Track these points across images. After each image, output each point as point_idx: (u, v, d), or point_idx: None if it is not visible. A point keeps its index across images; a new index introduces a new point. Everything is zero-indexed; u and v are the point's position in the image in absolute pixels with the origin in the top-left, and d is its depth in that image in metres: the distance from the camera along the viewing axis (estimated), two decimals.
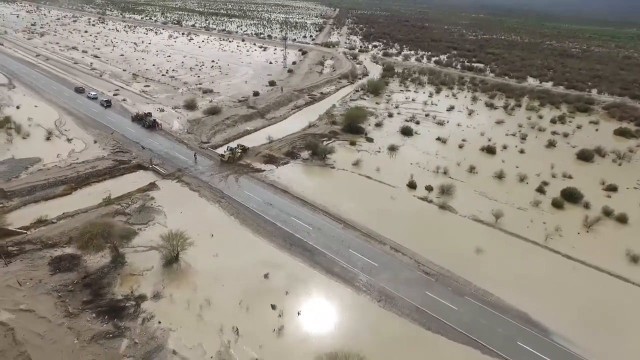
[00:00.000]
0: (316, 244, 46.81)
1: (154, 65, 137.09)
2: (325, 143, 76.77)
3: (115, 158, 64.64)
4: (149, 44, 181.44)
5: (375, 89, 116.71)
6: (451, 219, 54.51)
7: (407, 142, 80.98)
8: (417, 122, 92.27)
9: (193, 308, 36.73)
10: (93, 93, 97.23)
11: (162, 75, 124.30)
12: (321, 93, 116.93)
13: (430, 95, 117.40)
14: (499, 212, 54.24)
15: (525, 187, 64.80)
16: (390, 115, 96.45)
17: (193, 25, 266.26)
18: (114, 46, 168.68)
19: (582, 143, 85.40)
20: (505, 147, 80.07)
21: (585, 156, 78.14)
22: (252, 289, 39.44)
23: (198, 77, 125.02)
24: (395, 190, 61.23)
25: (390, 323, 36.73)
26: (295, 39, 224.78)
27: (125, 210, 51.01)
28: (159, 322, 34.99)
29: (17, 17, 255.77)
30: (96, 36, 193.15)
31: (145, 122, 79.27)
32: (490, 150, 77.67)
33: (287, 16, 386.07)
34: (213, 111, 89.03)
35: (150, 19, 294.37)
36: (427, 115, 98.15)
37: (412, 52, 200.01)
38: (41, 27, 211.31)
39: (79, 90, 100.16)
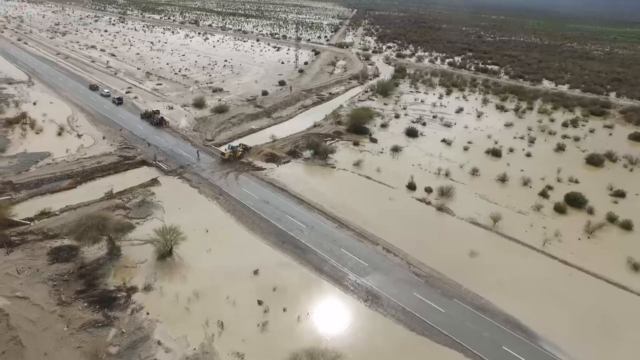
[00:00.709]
0: (308, 242, 47.16)
1: (167, 64, 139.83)
2: (328, 143, 77.02)
3: (121, 154, 66.40)
4: (165, 43, 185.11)
5: (384, 90, 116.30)
6: (448, 221, 54.06)
7: (411, 143, 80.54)
8: (424, 124, 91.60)
9: (181, 301, 37.57)
10: (106, 90, 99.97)
11: (175, 73, 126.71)
12: (330, 93, 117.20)
13: (440, 97, 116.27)
14: (497, 215, 53.49)
15: (528, 191, 63.67)
16: (397, 117, 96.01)
17: (210, 25, 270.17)
18: (130, 45, 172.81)
19: (594, 147, 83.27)
20: (511, 150, 78.76)
21: (594, 161, 76.19)
22: (241, 285, 40.05)
23: (210, 76, 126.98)
24: (394, 191, 61.06)
25: (375, 323, 36.78)
26: (309, 40, 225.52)
27: (125, 205, 52.43)
28: (147, 314, 35.96)
29: (43, 17, 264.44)
30: (115, 35, 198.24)
31: (153, 119, 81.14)
32: (495, 153, 76.55)
33: (304, 17, 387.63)
34: (220, 109, 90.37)
35: (168, 18, 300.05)
36: (434, 116, 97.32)
37: (426, 53, 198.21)
38: (64, 27, 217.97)
39: (93, 88, 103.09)
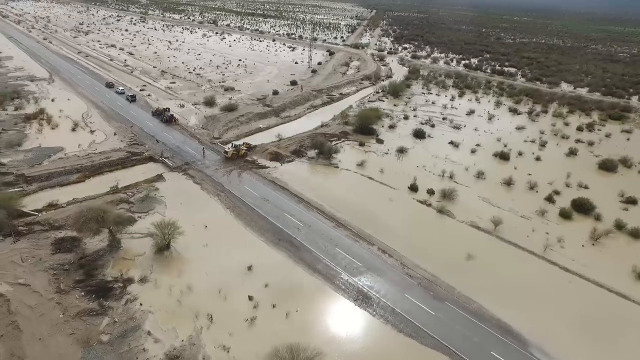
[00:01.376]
0: (304, 241, 47.50)
1: (183, 62, 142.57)
2: (334, 143, 77.22)
3: (130, 150, 68.19)
4: (183, 42, 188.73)
5: (395, 91, 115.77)
6: (447, 224, 53.55)
7: (418, 144, 79.99)
8: (432, 125, 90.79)
9: (174, 293, 38.44)
10: (121, 88, 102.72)
11: (189, 72, 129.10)
12: (340, 94, 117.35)
13: (452, 98, 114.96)
14: (498, 219, 52.68)
15: (534, 195, 62.43)
16: (406, 118, 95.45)
17: (228, 25, 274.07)
18: (149, 44, 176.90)
19: (608, 152, 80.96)
20: (520, 154, 77.31)
21: (607, 166, 74.10)
22: (234, 280, 40.70)
23: (223, 75, 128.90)
24: (395, 192, 60.84)
25: (362, 323, 36.86)
26: (325, 40, 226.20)
27: (129, 199, 53.89)
28: (141, 304, 36.94)
29: (69, 17, 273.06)
30: (135, 34, 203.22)
31: (163, 116, 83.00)
32: (503, 156, 75.30)
33: (322, 17, 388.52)
34: (229, 108, 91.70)
35: (188, 18, 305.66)
36: (444, 118, 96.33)
37: (442, 55, 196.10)
38: (87, 27, 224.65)
39: (109, 85, 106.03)
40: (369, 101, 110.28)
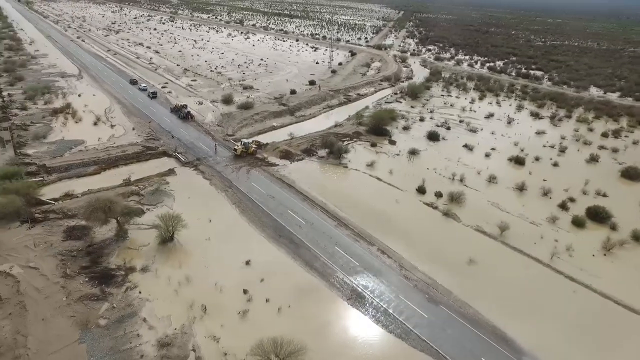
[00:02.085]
0: (304, 238, 47.94)
1: (205, 61, 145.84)
2: (345, 143, 77.26)
3: (146, 144, 70.58)
4: (208, 41, 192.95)
5: (413, 93, 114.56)
6: (452, 227, 52.76)
7: (431, 147, 78.99)
8: (448, 128, 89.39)
9: (173, 283, 39.66)
10: (143, 85, 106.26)
11: (210, 71, 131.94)
12: (358, 94, 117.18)
13: (472, 101, 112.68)
14: (505, 224, 51.47)
15: (547, 202, 60.56)
16: (422, 120, 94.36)
17: (253, 25, 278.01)
18: (175, 43, 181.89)
19: (633, 160, 77.41)
20: (537, 159, 75.07)
21: (630, 174, 71.00)
22: (231, 273, 41.57)
23: (243, 73, 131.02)
24: (402, 193, 60.40)
25: (352, 322, 36.95)
26: (348, 41, 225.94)
27: (140, 192, 55.85)
28: (140, 292, 38.35)
29: (103, 17, 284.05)
30: (162, 33, 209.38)
31: (181, 113, 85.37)
32: (518, 161, 73.35)
33: (348, 18, 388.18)
34: (245, 106, 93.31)
35: (216, 18, 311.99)
36: (461, 121, 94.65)
37: (467, 57, 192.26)
38: (118, 26, 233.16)
39: (133, 82, 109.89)
40: (386, 102, 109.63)
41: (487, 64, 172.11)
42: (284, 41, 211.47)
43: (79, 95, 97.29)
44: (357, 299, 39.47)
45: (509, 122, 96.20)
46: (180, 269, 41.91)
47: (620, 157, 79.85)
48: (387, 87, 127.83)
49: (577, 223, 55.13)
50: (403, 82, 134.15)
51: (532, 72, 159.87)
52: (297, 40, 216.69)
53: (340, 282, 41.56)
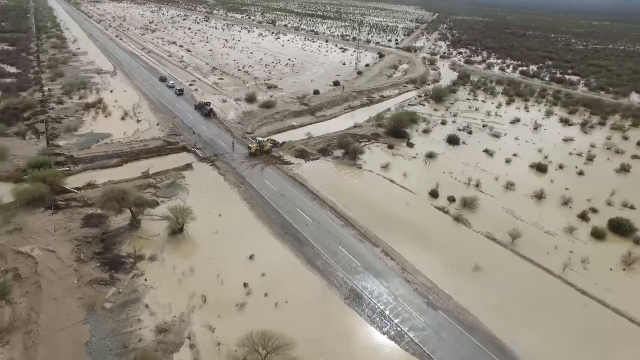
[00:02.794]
0: (309, 236, 48.43)
1: (234, 60, 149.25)
2: (362, 144, 77.12)
3: (167, 139, 73.30)
4: (238, 41, 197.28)
5: (438, 96, 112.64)
6: (461, 233, 51.72)
7: (449, 151, 77.53)
8: (470, 132, 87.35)
9: (177, 273, 41.17)
10: (172, 82, 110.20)
11: (238, 70, 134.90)
12: (381, 96, 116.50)
13: (499, 106, 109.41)
14: (517, 232, 49.95)
15: (566, 211, 58.17)
16: (444, 123, 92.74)
17: (285, 25, 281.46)
18: (206, 42, 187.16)
19: None
20: (561, 167, 72.14)
21: None
22: (234, 266, 42.65)
23: (269, 73, 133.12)
24: (414, 196, 59.77)
25: (347, 321, 37.03)
26: (378, 42, 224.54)
27: (156, 184, 58.15)
28: (145, 280, 40.08)
29: (142, 16, 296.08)
30: (196, 33, 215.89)
31: (204, 110, 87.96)
32: (540, 168, 70.75)
33: (381, 19, 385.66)
34: (267, 105, 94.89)
35: (249, 18, 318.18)
36: (484, 125, 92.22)
37: (499, 60, 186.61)
38: (155, 25, 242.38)
39: (162, 79, 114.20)
40: (409, 104, 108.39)
41: (520, 68, 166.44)
42: (313, 42, 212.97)
43: (111, 91, 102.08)
44: (354, 298, 39.54)
45: (535, 128, 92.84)
46: (185, 260, 43.38)
47: None
48: (412, 90, 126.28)
49: (597, 235, 52.67)
50: (429, 84, 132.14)
51: (567, 76, 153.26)
52: (326, 41, 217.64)
53: (340, 281, 41.75)
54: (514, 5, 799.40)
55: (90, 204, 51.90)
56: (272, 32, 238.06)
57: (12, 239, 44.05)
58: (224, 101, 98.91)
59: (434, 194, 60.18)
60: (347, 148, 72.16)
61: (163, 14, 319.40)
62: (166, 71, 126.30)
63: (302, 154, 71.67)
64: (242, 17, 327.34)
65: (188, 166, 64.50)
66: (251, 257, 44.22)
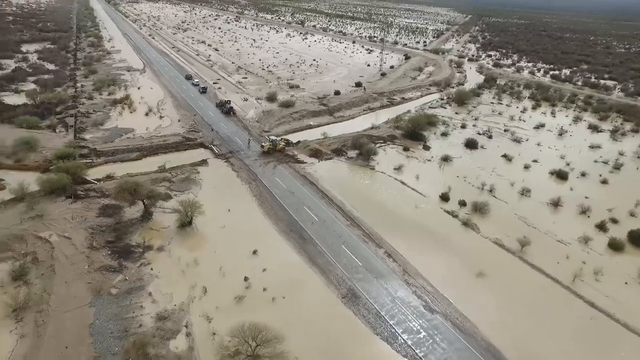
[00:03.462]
0: (313, 235, 48.93)
1: (260, 60, 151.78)
2: (378, 145, 76.95)
3: (186, 135, 75.66)
4: (266, 41, 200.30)
5: (460, 99, 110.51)
6: (468, 237, 50.78)
7: (466, 155, 76.07)
8: (490, 137, 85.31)
9: (181, 264, 42.67)
10: (196, 80, 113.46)
11: (262, 69, 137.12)
12: (402, 98, 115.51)
13: (524, 110, 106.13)
14: (527, 240, 48.61)
15: (584, 220, 55.97)
16: (464, 127, 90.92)
17: (314, 26, 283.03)
18: (235, 41, 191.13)
19: None
20: (583, 175, 69.35)
21: None
22: (237, 261, 43.72)
23: (293, 73, 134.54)
24: (424, 199, 59.15)
25: (342, 320, 37.18)
26: (406, 44, 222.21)
27: (171, 178, 60.26)
28: (151, 269, 41.77)
29: (175, 16, 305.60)
30: (225, 32, 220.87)
31: (224, 108, 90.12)
32: (561, 175, 68.25)
33: (411, 21, 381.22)
34: (286, 104, 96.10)
35: (279, 18, 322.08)
36: (505, 130, 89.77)
37: (530, 64, 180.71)
38: (187, 25, 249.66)
39: (188, 77, 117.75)
40: (430, 107, 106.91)
41: (551, 72, 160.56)
42: (340, 42, 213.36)
43: (139, 88, 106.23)
44: (352, 298, 39.70)
45: (560, 134, 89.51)
46: (191, 252, 44.85)
47: None
48: (435, 92, 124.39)
49: (615, 246, 50.44)
50: (453, 87, 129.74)
51: (602, 81, 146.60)
52: (353, 42, 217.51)
53: (339, 280, 41.99)
54: (556, 7, 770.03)
55: (107, 195, 54.40)
56: (300, 33, 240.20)
57: (33, 224, 46.90)
58: (246, 100, 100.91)
59: (444, 197, 59.36)
60: (361, 149, 72.18)
61: (196, 14, 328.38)
62: (192, 69, 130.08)
63: (316, 154, 72.23)
64: (272, 17, 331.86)
65: (203, 162, 66.39)
66: (255, 252, 45.18)
